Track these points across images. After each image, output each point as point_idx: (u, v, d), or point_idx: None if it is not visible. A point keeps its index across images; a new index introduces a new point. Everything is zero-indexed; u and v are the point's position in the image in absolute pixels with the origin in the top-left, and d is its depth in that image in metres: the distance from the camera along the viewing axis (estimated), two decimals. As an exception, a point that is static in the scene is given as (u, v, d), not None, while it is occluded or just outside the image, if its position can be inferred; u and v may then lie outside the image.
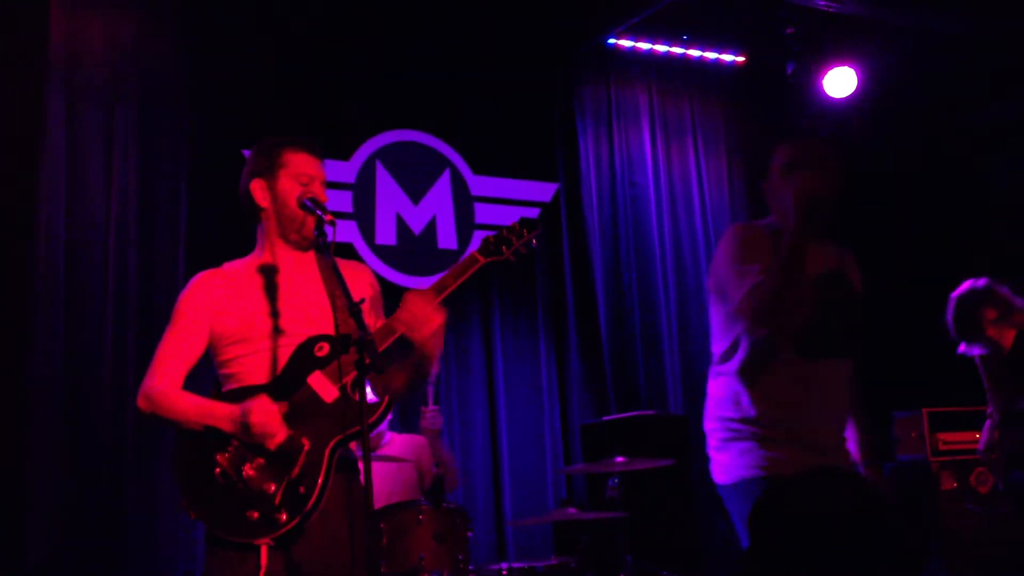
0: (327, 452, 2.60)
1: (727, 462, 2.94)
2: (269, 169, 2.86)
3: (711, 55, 7.00)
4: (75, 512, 4.71)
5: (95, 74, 5.16)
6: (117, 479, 4.84)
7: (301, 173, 2.84)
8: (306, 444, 2.58)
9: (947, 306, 4.68)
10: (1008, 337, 4.49)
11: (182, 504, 2.62)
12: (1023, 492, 4.45)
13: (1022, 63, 6.53)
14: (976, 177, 6.92)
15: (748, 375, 2.91)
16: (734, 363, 2.95)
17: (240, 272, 2.84)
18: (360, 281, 2.90)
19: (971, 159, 6.92)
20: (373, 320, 2.85)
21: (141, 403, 2.72)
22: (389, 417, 4.90)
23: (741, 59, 7.09)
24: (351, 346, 2.47)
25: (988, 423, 4.72)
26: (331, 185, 5.67)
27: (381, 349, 2.64)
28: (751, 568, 2.86)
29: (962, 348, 4.67)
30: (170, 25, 5.44)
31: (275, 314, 2.74)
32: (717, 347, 3.02)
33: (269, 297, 2.77)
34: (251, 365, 2.71)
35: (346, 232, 5.74)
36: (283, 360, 2.69)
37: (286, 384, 2.65)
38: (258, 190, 2.86)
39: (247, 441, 2.57)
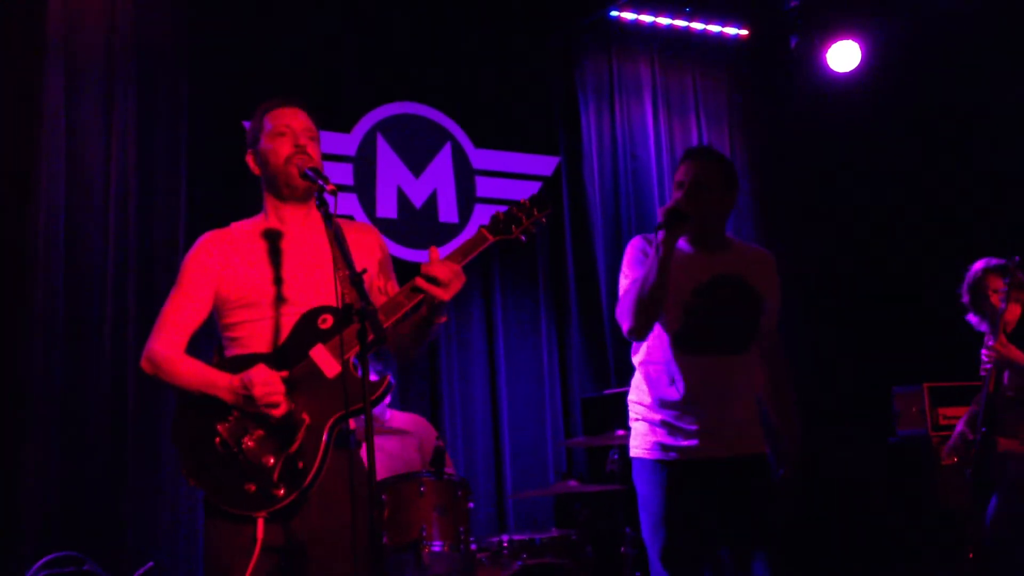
0: (327, 428, 2.60)
1: (632, 437, 3.37)
2: (255, 137, 2.90)
3: (714, 28, 6.95)
4: (73, 484, 4.71)
5: (93, 48, 5.12)
6: (117, 450, 4.84)
7: (277, 126, 2.86)
8: (306, 419, 2.58)
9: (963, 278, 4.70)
10: (1015, 311, 4.47)
11: (182, 471, 2.62)
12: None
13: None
14: (974, 152, 6.89)
15: (644, 367, 3.35)
16: (637, 356, 3.40)
17: (247, 233, 2.83)
18: (368, 244, 2.90)
19: (971, 134, 6.88)
20: (383, 282, 2.84)
21: (145, 365, 2.71)
22: (388, 399, 4.92)
23: (744, 32, 7.04)
24: (353, 316, 2.46)
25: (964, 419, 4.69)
26: (332, 158, 5.70)
27: (407, 309, 2.64)
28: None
29: (972, 319, 4.67)
30: (169, -3, 5.39)
31: (279, 280, 2.73)
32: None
33: (274, 262, 2.76)
34: (255, 332, 2.70)
35: (347, 205, 5.72)
36: (286, 330, 2.68)
37: (288, 355, 2.64)
38: (250, 160, 2.90)
39: (248, 411, 2.57)
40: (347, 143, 5.82)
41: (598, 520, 4.73)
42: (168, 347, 2.71)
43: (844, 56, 6.66)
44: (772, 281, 3.39)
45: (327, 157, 5.68)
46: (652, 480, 3.27)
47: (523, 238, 2.85)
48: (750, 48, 7.12)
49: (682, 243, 3.25)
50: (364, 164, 5.86)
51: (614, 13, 6.59)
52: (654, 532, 3.26)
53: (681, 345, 3.25)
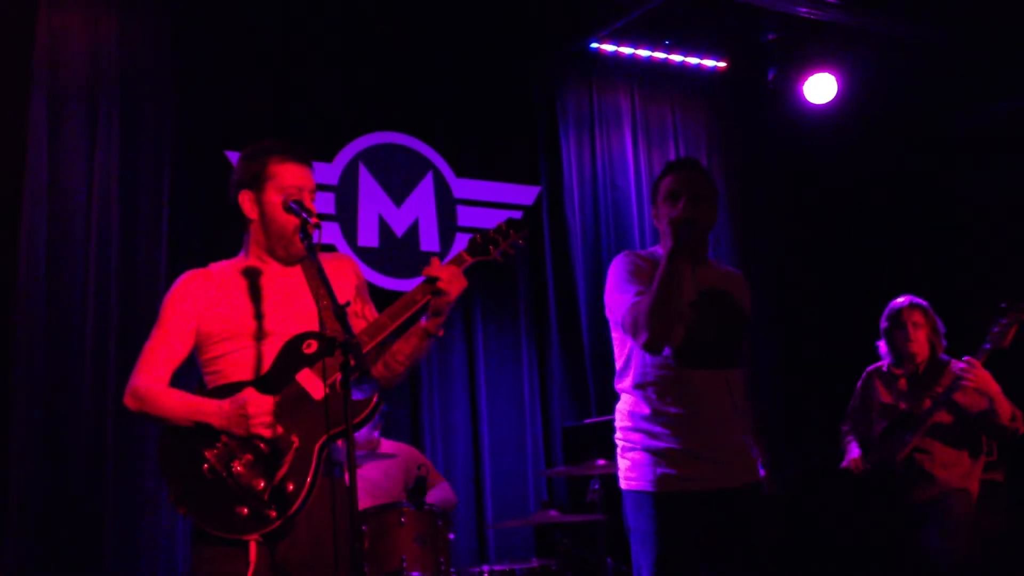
0: (316, 450, 2.62)
1: (623, 470, 3.27)
2: (256, 181, 2.82)
3: (693, 60, 7.04)
4: (53, 512, 4.68)
5: (78, 73, 5.14)
6: (97, 479, 4.81)
7: (289, 185, 2.81)
8: (295, 441, 2.60)
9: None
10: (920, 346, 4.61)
11: (170, 499, 2.62)
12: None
13: (999, 72, 6.60)
14: (949, 184, 7.00)
15: (639, 390, 3.25)
16: (627, 379, 3.30)
17: (226, 273, 2.86)
18: (345, 272, 2.93)
19: (947, 165, 6.99)
20: (360, 306, 2.86)
21: (129, 402, 2.72)
22: (379, 420, 4.92)
23: (723, 65, 7.13)
24: (336, 349, 2.47)
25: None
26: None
27: (406, 318, 2.73)
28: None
29: (881, 347, 4.79)
30: (153, 25, 5.41)
31: (260, 315, 2.76)
32: (616, 366, 3.38)
33: (255, 299, 2.78)
34: (238, 361, 2.73)
35: (329, 234, 5.73)
36: (269, 358, 2.71)
37: (275, 380, 2.67)
38: (246, 202, 2.84)
39: (237, 436, 2.58)
40: (329, 172, 5.84)
41: (578, 550, 4.72)
42: (152, 381, 2.72)
43: (820, 88, 6.76)
44: (748, 300, 3.40)
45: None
46: (650, 514, 3.14)
47: (500, 258, 2.93)
48: (728, 80, 7.20)
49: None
50: (346, 193, 5.88)
51: (594, 45, 6.66)
52: (657, 567, 3.12)
53: (684, 359, 3.17)
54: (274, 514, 2.56)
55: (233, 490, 2.57)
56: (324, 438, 2.63)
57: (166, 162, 5.31)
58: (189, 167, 5.37)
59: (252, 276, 2.82)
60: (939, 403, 4.43)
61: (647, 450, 3.20)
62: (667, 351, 3.18)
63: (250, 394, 2.58)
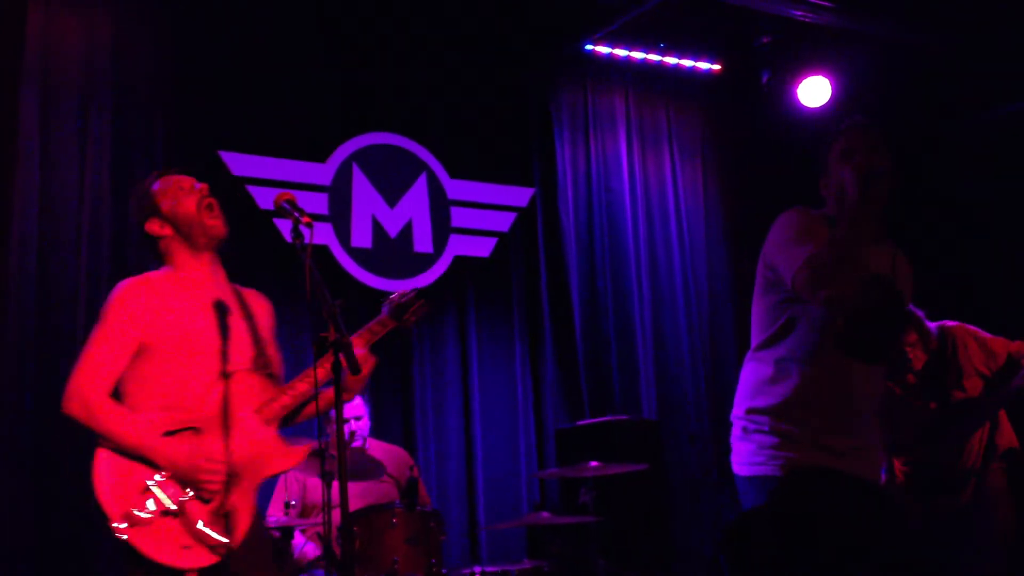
0: (255, 488, 2.76)
1: (746, 453, 2.90)
2: (151, 207, 2.98)
3: (687, 63, 7.04)
4: (43, 515, 4.65)
5: (70, 74, 5.11)
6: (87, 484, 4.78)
7: (172, 188, 3.00)
8: (238, 479, 2.72)
9: None
10: (920, 361, 4.49)
11: (109, 522, 2.61)
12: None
13: (993, 75, 6.62)
14: (942, 186, 7.01)
15: (789, 364, 2.86)
16: (777, 350, 2.90)
17: (164, 282, 2.91)
18: (262, 309, 3.07)
19: (941, 169, 7.00)
20: (274, 351, 2.98)
21: (75, 409, 2.71)
22: (368, 424, 4.91)
23: (717, 67, 7.13)
24: (329, 348, 2.48)
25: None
26: (308, 187, 5.71)
27: (306, 399, 2.92)
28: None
29: None
30: (146, 26, 5.40)
31: (201, 328, 2.82)
32: (758, 336, 2.97)
33: (192, 310, 2.85)
34: (185, 393, 2.76)
35: (321, 234, 5.72)
36: (218, 392, 2.76)
37: (224, 420, 2.72)
38: (155, 227, 2.96)
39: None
40: (323, 173, 5.83)
41: (571, 552, 4.72)
42: (102, 394, 2.73)
43: (814, 91, 6.76)
44: (909, 275, 3.10)
45: (303, 187, 5.69)
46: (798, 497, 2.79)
47: (412, 326, 3.17)
48: (722, 83, 7.21)
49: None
50: (339, 194, 5.87)
51: (589, 47, 6.66)
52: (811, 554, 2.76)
53: (843, 343, 2.79)
54: (213, 549, 2.62)
55: (176, 522, 2.62)
56: (262, 479, 2.78)
57: (158, 163, 5.29)
58: (182, 164, 5.34)
59: (190, 287, 2.91)
60: (1010, 390, 4.20)
61: (775, 432, 2.86)
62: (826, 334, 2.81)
63: (208, 449, 2.66)
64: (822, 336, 2.81)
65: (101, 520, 2.63)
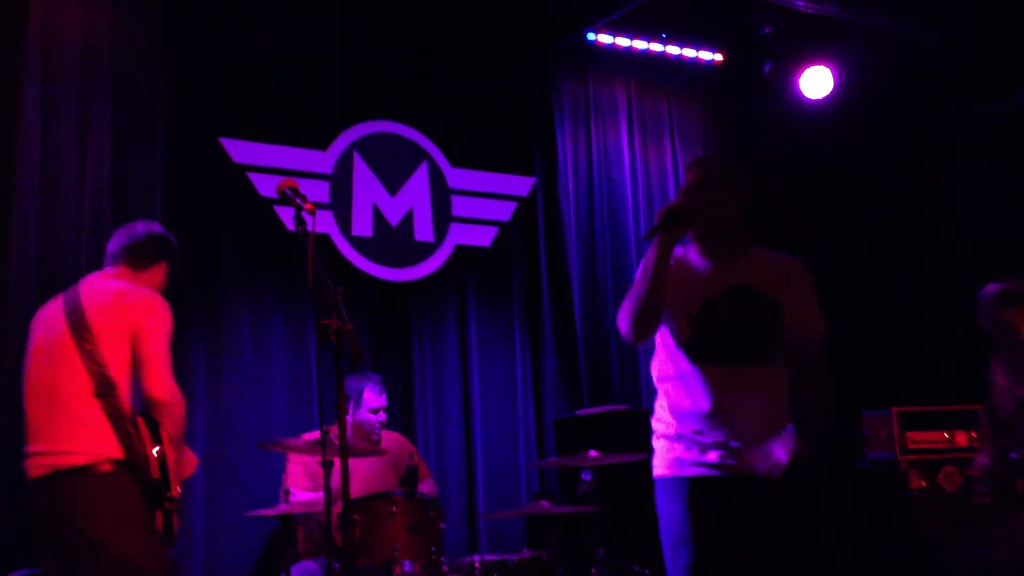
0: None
1: (654, 457, 3.25)
2: (173, 261, 3.55)
3: (689, 53, 7.03)
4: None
5: (70, 64, 5.09)
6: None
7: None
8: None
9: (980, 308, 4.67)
10: None
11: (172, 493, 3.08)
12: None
13: (994, 71, 6.60)
14: (945, 178, 7.00)
15: (661, 384, 3.23)
16: (654, 369, 3.27)
17: None
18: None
19: (941, 162, 7.00)
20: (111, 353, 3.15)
21: (179, 399, 3.16)
22: (384, 419, 4.91)
23: (719, 57, 7.12)
24: (330, 335, 2.48)
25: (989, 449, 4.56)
26: (308, 175, 5.71)
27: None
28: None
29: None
30: (146, 12, 5.38)
31: None
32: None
33: None
34: None
35: (323, 223, 5.71)
36: None
37: None
38: (163, 273, 3.50)
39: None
40: (324, 161, 5.82)
41: (570, 541, 4.73)
42: None
43: (817, 82, 6.76)
44: (797, 287, 3.24)
45: (304, 175, 5.68)
46: (671, 499, 3.13)
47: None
48: (724, 73, 7.19)
49: (696, 255, 3.18)
50: (341, 182, 5.86)
51: (591, 36, 6.65)
52: (674, 553, 3.12)
53: (694, 357, 3.10)
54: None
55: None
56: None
57: (158, 151, 5.28)
58: (182, 155, 5.35)
59: None
60: None
61: (665, 438, 3.20)
62: (679, 350, 3.13)
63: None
64: (680, 358, 3.14)
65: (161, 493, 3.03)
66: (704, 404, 3.09)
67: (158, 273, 3.44)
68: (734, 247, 3.20)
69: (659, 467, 3.21)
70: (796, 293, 3.23)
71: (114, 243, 3.45)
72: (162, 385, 3.09)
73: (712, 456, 3.08)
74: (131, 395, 3.11)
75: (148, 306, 3.17)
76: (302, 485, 4.54)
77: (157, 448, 3.06)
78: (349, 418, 4.74)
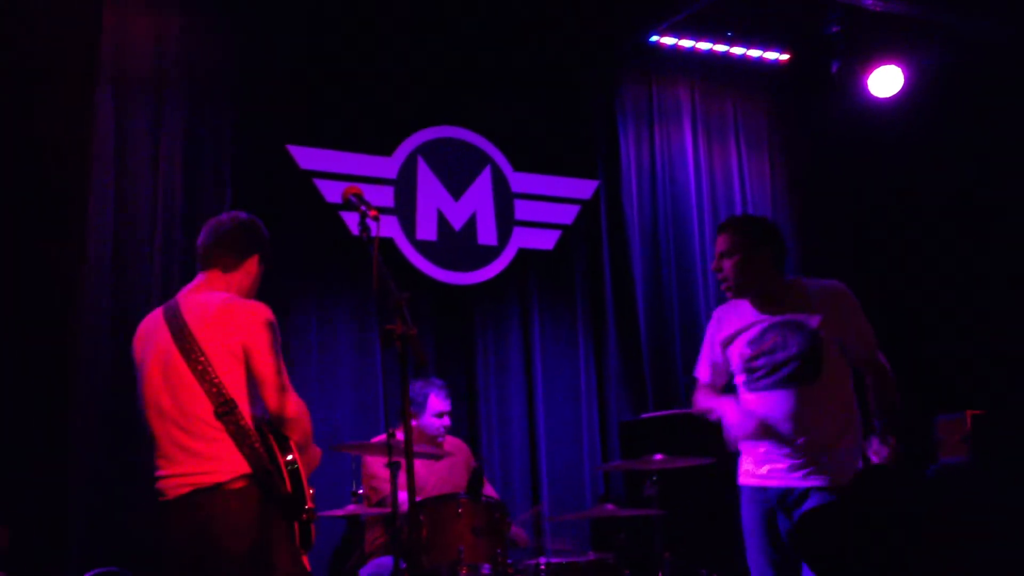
0: None
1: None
2: (265, 251, 3.33)
3: (754, 53, 6.96)
4: (118, 498, 4.77)
5: (142, 73, 5.23)
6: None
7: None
8: None
9: None
10: None
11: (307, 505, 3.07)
12: None
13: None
14: (1019, 178, 6.82)
15: (736, 400, 3.75)
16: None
17: None
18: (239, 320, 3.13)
19: (1016, 160, 6.81)
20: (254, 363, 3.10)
21: (305, 415, 3.11)
22: (448, 423, 4.95)
23: (785, 57, 7.03)
24: (395, 340, 2.51)
25: None
26: (373, 180, 5.78)
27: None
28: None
29: None
30: (216, 20, 5.50)
31: None
32: None
33: None
34: None
35: (387, 228, 5.78)
36: None
37: None
38: (256, 263, 3.29)
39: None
40: (388, 166, 5.88)
41: (635, 545, 4.71)
42: None
43: (886, 81, 6.64)
44: (842, 311, 3.60)
45: (369, 180, 5.75)
46: (741, 504, 3.74)
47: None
48: (790, 73, 7.11)
49: (744, 302, 3.71)
50: (405, 187, 5.92)
51: (654, 38, 6.62)
52: (747, 554, 3.68)
53: (746, 387, 3.68)
54: None
55: None
56: None
57: (228, 156, 5.39)
58: (250, 161, 5.45)
59: None
60: None
61: (742, 451, 3.77)
62: (737, 384, 3.77)
63: None
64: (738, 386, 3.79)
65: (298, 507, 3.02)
66: (757, 424, 3.59)
67: (251, 267, 3.26)
68: (774, 290, 3.65)
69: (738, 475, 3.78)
70: (842, 316, 3.60)
71: (202, 239, 3.28)
72: (283, 401, 3.00)
73: (764, 469, 3.62)
74: (252, 408, 3.04)
75: (252, 320, 3.04)
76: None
77: (289, 457, 3.02)
78: (414, 422, 4.78)
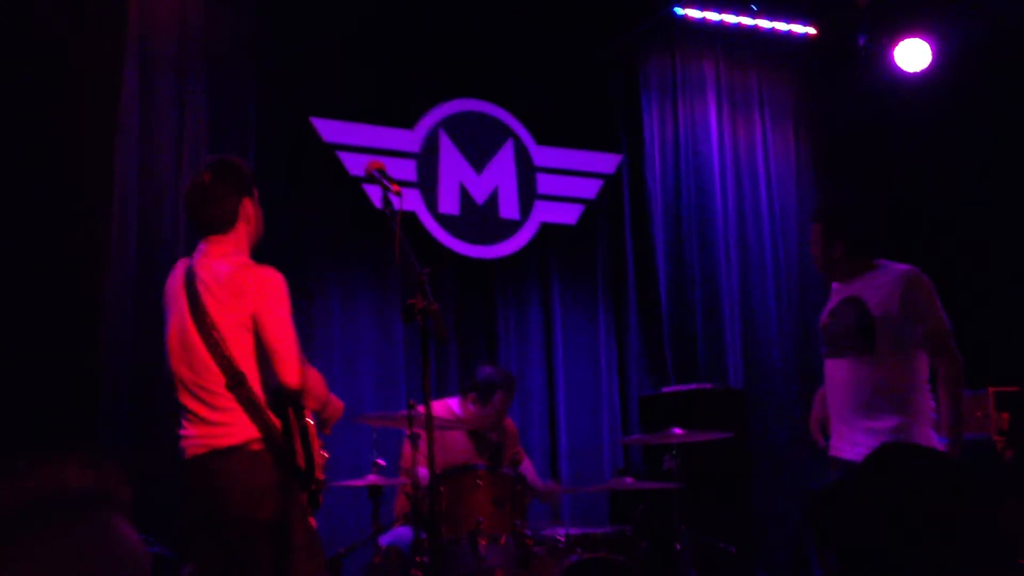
0: None
1: None
2: (250, 188, 3.18)
3: (781, 26, 6.89)
4: (142, 465, 4.83)
5: (166, 47, 5.24)
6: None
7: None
8: None
9: None
10: None
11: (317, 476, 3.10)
12: None
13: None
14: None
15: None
16: None
17: None
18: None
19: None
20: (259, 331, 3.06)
21: (300, 383, 3.02)
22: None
23: (812, 30, 6.96)
24: (416, 314, 2.54)
25: None
26: (395, 154, 5.79)
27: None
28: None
29: None
30: (239, -2, 5.51)
31: None
32: None
33: None
34: None
35: (410, 201, 5.80)
36: None
37: None
38: (249, 206, 3.15)
39: None
40: (411, 140, 5.90)
41: (654, 518, 4.75)
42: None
43: (913, 56, 6.57)
44: (913, 294, 3.88)
45: (391, 153, 5.77)
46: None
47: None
48: (817, 46, 7.04)
49: (835, 284, 4.14)
50: (427, 161, 5.94)
51: (679, 11, 6.57)
52: None
53: (823, 355, 4.10)
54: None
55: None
56: None
57: (251, 129, 5.41)
58: (274, 134, 5.48)
59: None
60: None
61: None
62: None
63: None
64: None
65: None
66: (829, 392, 4.05)
67: (247, 212, 3.15)
68: (851, 270, 4.04)
69: None
70: (906, 298, 3.87)
71: (188, 209, 3.23)
72: (294, 372, 2.97)
73: (833, 439, 4.00)
74: (264, 377, 3.05)
75: (261, 288, 3.01)
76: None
77: (302, 427, 3.05)
78: (472, 407, 4.82)
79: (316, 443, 3.08)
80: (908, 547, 2.89)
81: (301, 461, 2.98)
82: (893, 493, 3.08)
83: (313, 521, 3.10)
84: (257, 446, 2.96)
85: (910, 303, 3.86)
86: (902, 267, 4.00)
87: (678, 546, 4.62)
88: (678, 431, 4.49)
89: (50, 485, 1.11)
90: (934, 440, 3.81)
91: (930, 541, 2.96)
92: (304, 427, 3.03)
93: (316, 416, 3.15)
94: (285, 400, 3.02)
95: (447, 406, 4.91)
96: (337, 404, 3.24)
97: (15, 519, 1.07)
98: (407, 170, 5.83)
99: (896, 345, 3.84)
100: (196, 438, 3.03)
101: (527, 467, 5.04)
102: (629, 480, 4.58)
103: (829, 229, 4.06)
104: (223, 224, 3.09)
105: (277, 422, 2.96)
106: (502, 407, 4.85)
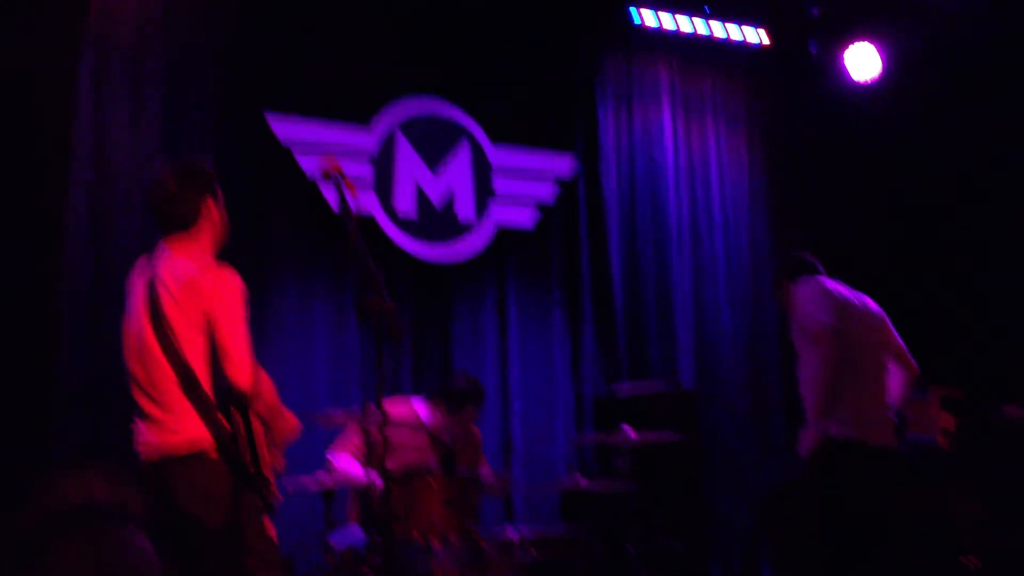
0: None
1: None
2: (213, 189, 3.15)
3: (734, 34, 6.97)
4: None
5: (124, 41, 5.18)
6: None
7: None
8: None
9: None
10: None
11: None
12: None
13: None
14: (995, 158, 6.88)
15: None
16: None
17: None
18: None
19: (991, 140, 6.87)
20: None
21: (252, 386, 3.01)
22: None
23: (765, 38, 7.05)
24: (371, 314, 2.55)
25: None
26: (352, 154, 5.75)
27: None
28: None
29: None
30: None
31: None
32: None
33: None
34: None
35: (366, 203, 5.75)
36: None
37: None
38: (212, 206, 3.14)
39: None
40: (367, 140, 5.87)
41: (606, 518, 4.78)
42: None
43: (865, 64, 6.67)
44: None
45: (348, 153, 5.73)
46: None
47: None
48: (770, 54, 7.12)
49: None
50: (384, 163, 5.91)
51: (635, 17, 6.59)
52: None
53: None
54: None
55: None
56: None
57: (209, 123, 5.36)
58: (231, 128, 5.42)
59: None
60: None
61: None
62: None
63: None
64: None
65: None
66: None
67: (209, 212, 3.14)
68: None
69: None
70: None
71: (151, 208, 3.24)
72: (245, 374, 2.98)
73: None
74: (216, 380, 3.04)
75: (217, 291, 3.01)
76: (356, 457, 4.60)
77: (251, 430, 3.06)
78: (440, 415, 4.81)
79: (264, 444, 3.07)
80: (853, 543, 2.96)
81: (250, 463, 2.98)
82: (839, 490, 3.15)
83: (270, 523, 3.09)
84: (211, 454, 2.96)
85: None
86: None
87: (629, 547, 4.66)
88: (630, 432, 4.52)
89: (76, 498, 1.23)
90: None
91: (875, 537, 3.02)
92: (251, 429, 3.02)
93: (264, 422, 3.13)
94: (234, 402, 3.01)
95: (410, 405, 4.88)
96: (291, 419, 3.24)
97: (45, 529, 1.18)
98: (364, 170, 5.81)
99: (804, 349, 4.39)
100: (149, 443, 3.02)
101: (486, 473, 5.03)
102: (582, 480, 4.60)
103: (776, 283, 4.58)
104: (185, 223, 3.10)
105: (227, 424, 2.95)
106: (470, 417, 4.86)
